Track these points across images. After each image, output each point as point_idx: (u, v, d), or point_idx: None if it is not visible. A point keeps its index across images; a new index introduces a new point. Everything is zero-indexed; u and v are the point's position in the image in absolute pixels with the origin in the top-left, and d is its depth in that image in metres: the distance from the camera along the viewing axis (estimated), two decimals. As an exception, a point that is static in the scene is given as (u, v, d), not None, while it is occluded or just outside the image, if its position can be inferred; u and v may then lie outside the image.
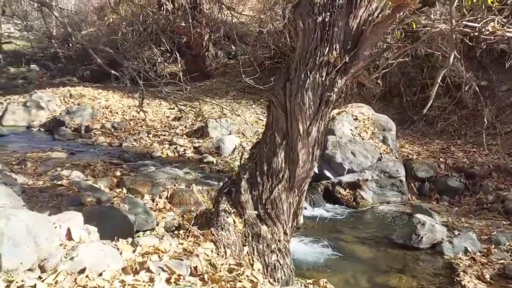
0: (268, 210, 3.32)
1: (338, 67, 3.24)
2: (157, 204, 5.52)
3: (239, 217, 3.27)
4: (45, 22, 15.61)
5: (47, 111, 10.65)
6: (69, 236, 2.39)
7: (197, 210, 5.59)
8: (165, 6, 10.18)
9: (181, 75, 5.71)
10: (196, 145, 8.48)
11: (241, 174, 3.46)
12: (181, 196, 5.64)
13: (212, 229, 3.17)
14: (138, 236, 4.79)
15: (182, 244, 2.94)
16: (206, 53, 12.83)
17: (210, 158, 7.83)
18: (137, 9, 10.23)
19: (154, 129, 9.52)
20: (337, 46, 3.23)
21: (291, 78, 3.34)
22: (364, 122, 7.75)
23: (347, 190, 6.95)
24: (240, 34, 13.96)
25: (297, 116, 3.28)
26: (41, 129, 9.99)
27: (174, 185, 5.89)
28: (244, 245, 3.18)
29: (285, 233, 3.35)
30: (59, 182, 5.18)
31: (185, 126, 9.56)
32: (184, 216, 5.49)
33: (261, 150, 3.45)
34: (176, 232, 5.37)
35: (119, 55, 6.20)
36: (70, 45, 14.62)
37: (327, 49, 3.22)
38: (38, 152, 7.42)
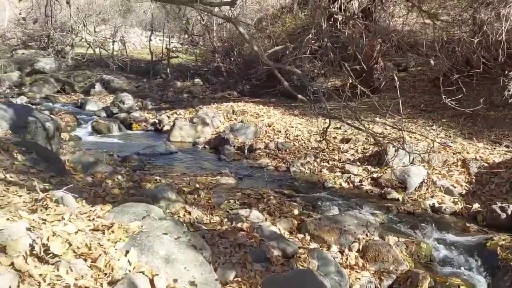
0: None
1: None
2: (347, 259, 4.51)
3: None
4: (210, 37, 16.16)
5: (212, 128, 10.54)
6: None
7: (396, 270, 4.43)
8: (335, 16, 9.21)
9: (381, 102, 4.60)
10: (374, 175, 7.28)
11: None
12: (376, 251, 4.53)
13: None
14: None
15: None
16: (375, 65, 11.55)
17: (395, 195, 6.56)
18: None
19: (322, 152, 8.59)
20: None
21: None
22: None
23: None
24: (412, 44, 12.36)
25: None
26: (206, 146, 9.85)
27: (366, 235, 4.80)
28: None
29: None
30: (238, 225, 4.49)
31: (356, 150, 8.43)
32: (382, 278, 4.38)
33: None
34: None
35: (305, 77, 5.39)
36: (232, 59, 14.71)
37: None
38: (207, 176, 7.04)
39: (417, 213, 6.00)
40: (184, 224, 3.26)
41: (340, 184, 7.13)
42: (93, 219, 2.95)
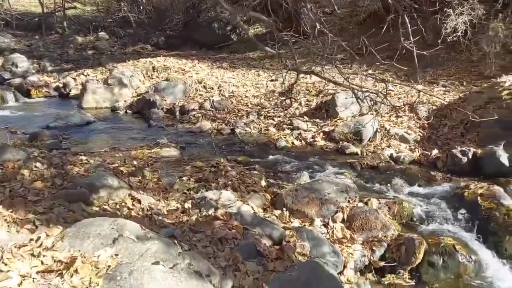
0: None
1: None
2: (333, 232, 4.01)
3: None
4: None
5: (131, 89, 9.30)
6: None
7: (385, 237, 4.03)
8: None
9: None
10: (326, 129, 6.82)
11: None
12: (364, 219, 4.08)
13: None
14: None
15: None
16: (302, 9, 10.88)
17: (353, 148, 6.17)
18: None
19: (263, 108, 7.92)
20: None
21: None
22: None
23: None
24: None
25: None
26: (128, 111, 8.66)
27: (348, 202, 4.32)
28: None
29: None
30: (210, 212, 3.73)
31: (300, 103, 7.88)
32: (374, 248, 3.95)
33: None
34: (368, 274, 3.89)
35: (273, 26, 4.57)
36: (141, 7, 13.05)
37: None
38: (143, 149, 6.06)
39: (381, 167, 5.67)
40: (176, 242, 2.41)
41: (293, 143, 6.58)
42: (39, 253, 2.01)
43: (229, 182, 4.69)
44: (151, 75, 9.81)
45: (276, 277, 2.82)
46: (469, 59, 8.97)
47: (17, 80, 10.30)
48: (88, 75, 10.47)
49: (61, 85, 10.22)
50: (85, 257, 1.99)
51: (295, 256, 3.30)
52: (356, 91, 4.28)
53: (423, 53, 5.31)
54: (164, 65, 10.06)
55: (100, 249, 2.04)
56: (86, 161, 5.26)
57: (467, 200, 4.46)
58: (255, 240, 3.28)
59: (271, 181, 4.82)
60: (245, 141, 6.62)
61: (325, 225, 4.08)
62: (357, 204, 4.28)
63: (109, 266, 1.95)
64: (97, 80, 9.69)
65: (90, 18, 15.14)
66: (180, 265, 2.06)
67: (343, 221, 4.12)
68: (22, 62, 10.92)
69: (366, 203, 4.34)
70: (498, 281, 3.64)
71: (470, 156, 5.51)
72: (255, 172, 5.16)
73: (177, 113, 8.21)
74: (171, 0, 12.88)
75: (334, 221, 4.10)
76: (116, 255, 2.02)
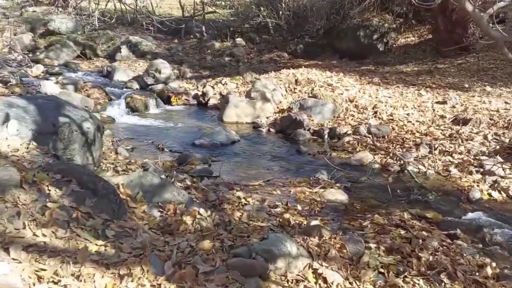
0: None
1: None
2: None
3: None
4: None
5: (273, 104, 8.51)
6: None
7: None
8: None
9: None
10: (535, 179, 5.25)
11: None
12: None
13: None
14: None
15: None
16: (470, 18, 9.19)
17: None
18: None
19: (435, 139, 6.53)
20: None
21: None
22: None
23: None
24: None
25: None
26: (271, 129, 7.85)
27: None
28: None
29: None
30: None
31: (485, 137, 6.34)
32: None
33: None
34: None
35: None
36: (280, 13, 12.27)
37: None
38: (302, 186, 5.15)
39: None
40: None
41: (489, 195, 5.12)
42: None
43: (435, 262, 3.49)
44: (294, 89, 8.94)
45: None
46: None
47: (159, 86, 10.17)
48: (226, 83, 9.97)
49: (200, 93, 9.87)
50: None
51: None
52: None
53: None
54: (307, 78, 9.12)
55: None
56: (244, 201, 4.55)
57: None
58: None
59: (499, 268, 3.49)
60: (422, 185, 5.33)
61: None
62: None
63: None
64: (239, 93, 9.06)
65: (227, 23, 14.79)
66: None
67: None
68: (165, 68, 10.76)
69: None
70: None
71: None
72: (461, 243, 3.89)
73: (326, 137, 7.21)
74: (312, 5, 11.92)
75: None
76: None
